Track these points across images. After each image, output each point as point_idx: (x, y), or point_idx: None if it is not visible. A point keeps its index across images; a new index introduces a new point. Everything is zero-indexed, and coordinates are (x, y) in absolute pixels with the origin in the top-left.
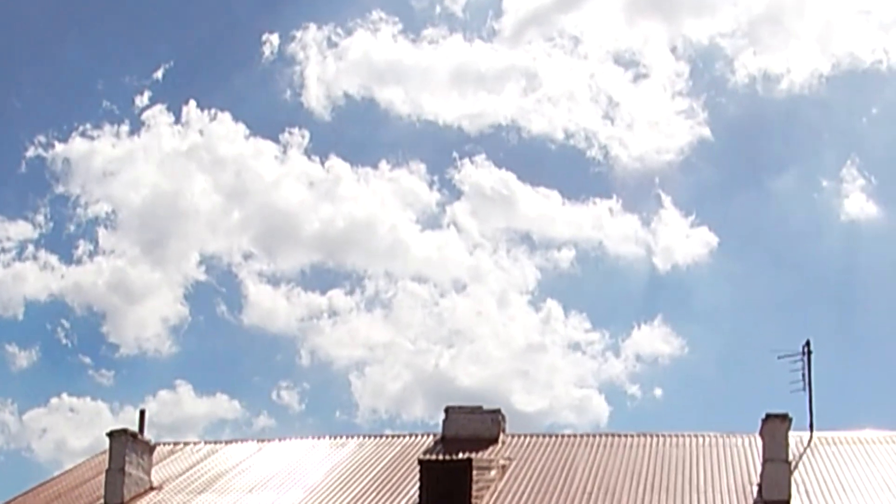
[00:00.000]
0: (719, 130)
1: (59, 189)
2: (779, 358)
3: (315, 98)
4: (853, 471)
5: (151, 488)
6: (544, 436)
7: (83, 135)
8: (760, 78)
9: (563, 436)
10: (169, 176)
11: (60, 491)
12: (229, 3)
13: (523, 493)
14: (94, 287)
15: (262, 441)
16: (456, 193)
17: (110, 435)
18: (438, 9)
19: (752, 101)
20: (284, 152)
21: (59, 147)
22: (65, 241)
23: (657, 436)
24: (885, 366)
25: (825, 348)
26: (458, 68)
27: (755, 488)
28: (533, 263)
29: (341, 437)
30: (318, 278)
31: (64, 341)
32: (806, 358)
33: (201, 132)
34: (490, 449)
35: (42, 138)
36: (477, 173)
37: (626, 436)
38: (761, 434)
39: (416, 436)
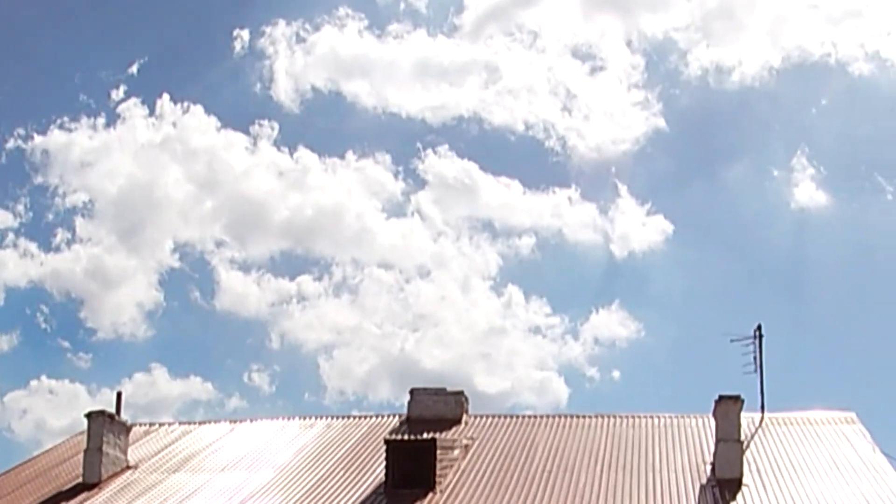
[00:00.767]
0: (673, 121)
1: (38, 179)
2: (731, 341)
3: (284, 91)
4: (803, 450)
5: (128, 467)
6: (506, 416)
7: (61, 127)
8: (713, 70)
9: (523, 416)
10: (143, 167)
11: (40, 470)
12: (201, 0)
13: (485, 471)
14: (72, 274)
15: (234, 422)
16: (420, 183)
17: (88, 416)
18: (403, 5)
19: (704, 92)
20: (254, 144)
21: (37, 139)
22: (44, 230)
23: (614, 416)
24: (834, 349)
25: (776, 332)
26: (421, 62)
27: (708, 467)
28: (494, 250)
29: (310, 417)
30: (288, 265)
31: (43, 326)
32: (757, 341)
33: (174, 124)
34: (453, 429)
35: (21, 130)
36: (440, 163)
37: (584, 416)
38: (714, 415)
39: (382, 416)
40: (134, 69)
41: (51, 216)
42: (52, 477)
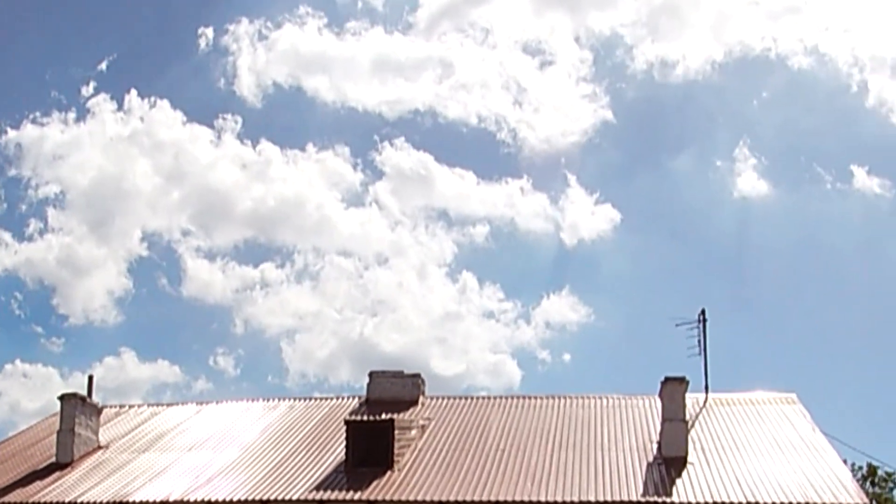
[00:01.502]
0: (620, 114)
1: (12, 172)
2: (676, 325)
3: (247, 87)
4: (745, 429)
5: (99, 447)
6: (461, 398)
7: (34, 122)
8: (658, 65)
9: (478, 398)
10: (113, 159)
11: (15, 450)
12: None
13: (441, 450)
14: (44, 262)
15: (201, 403)
16: (378, 174)
17: (61, 398)
18: (360, 4)
19: (650, 86)
20: (219, 137)
21: (11, 133)
22: (17, 220)
23: (565, 398)
24: (775, 332)
25: (719, 316)
26: (378, 58)
27: (655, 446)
28: (450, 239)
29: (273, 399)
30: (251, 253)
31: (17, 312)
32: (701, 325)
33: (142, 119)
34: (411, 410)
35: None
36: (397, 155)
37: (536, 398)
38: (661, 396)
39: (343, 398)
40: (103, 66)
41: (24, 207)
42: (27, 457)
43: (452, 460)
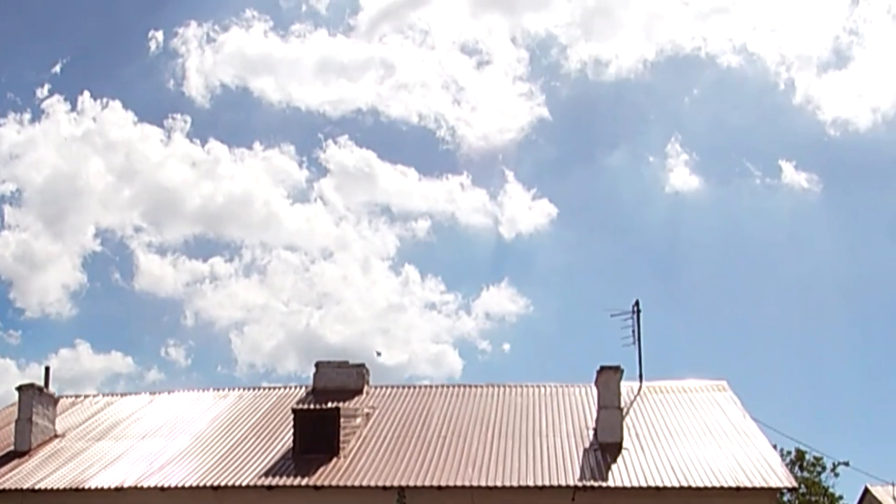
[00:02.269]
0: (556, 111)
1: None
2: (611, 316)
3: (195, 88)
4: (678, 416)
5: (56, 436)
6: (404, 387)
7: None
8: (591, 64)
9: (420, 387)
10: (67, 158)
11: None
12: (119, 4)
13: (385, 437)
14: (1, 258)
15: (153, 393)
16: (322, 171)
17: (19, 389)
18: (304, 7)
19: (584, 84)
20: (169, 136)
21: None
22: None
23: (504, 386)
24: (706, 322)
25: (653, 307)
26: (322, 60)
27: (591, 432)
28: (392, 233)
29: (223, 389)
30: (201, 248)
31: None
32: (635, 316)
33: (95, 119)
34: (356, 399)
35: None
36: (340, 153)
37: (476, 386)
38: (596, 384)
39: (290, 388)
40: (57, 69)
41: None
42: None
43: (396, 447)
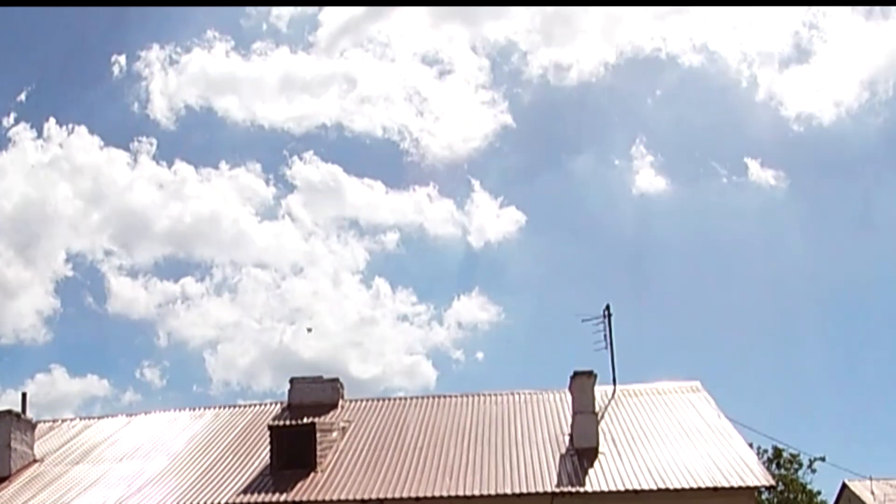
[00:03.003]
0: (519, 118)
1: None
2: (583, 321)
3: (160, 110)
4: (653, 418)
5: (35, 461)
6: (379, 399)
7: None
8: (552, 68)
9: (395, 399)
10: (35, 185)
11: None
12: (81, 29)
13: (362, 450)
14: None
15: (130, 415)
16: (289, 187)
17: None
18: (265, 26)
19: (546, 90)
20: (135, 159)
21: None
22: None
23: (479, 395)
24: (677, 323)
25: (624, 311)
26: (284, 77)
27: (567, 438)
28: (362, 246)
29: (199, 408)
30: (171, 269)
31: None
32: (607, 320)
33: (61, 145)
34: (331, 413)
35: None
36: (307, 169)
37: (451, 396)
38: (570, 389)
39: (265, 404)
40: (22, 97)
41: None
42: None
43: (373, 460)
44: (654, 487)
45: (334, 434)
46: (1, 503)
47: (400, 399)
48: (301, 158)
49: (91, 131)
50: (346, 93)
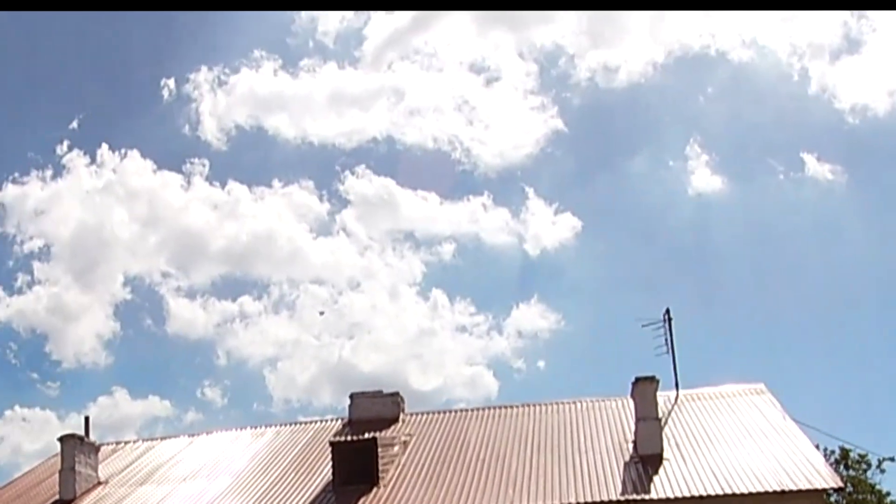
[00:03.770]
0: (570, 122)
1: None
2: (643, 326)
3: (210, 131)
4: (717, 422)
5: (99, 483)
6: (440, 412)
7: (14, 182)
8: (601, 70)
9: (456, 411)
10: (91, 211)
11: (20, 491)
12: (130, 54)
13: (424, 464)
14: (34, 313)
15: (192, 435)
16: (343, 202)
17: (61, 439)
18: (311, 43)
19: (595, 92)
20: (188, 181)
21: None
22: (5, 275)
23: (540, 404)
24: (739, 324)
25: (684, 314)
26: (333, 93)
27: (630, 445)
28: (418, 258)
29: (260, 426)
30: (229, 288)
31: (13, 361)
32: (667, 324)
33: (114, 170)
34: (392, 428)
35: None
36: (360, 183)
37: (512, 407)
38: (633, 396)
39: (326, 421)
40: (74, 124)
41: (11, 262)
42: (31, 497)
43: (435, 473)
44: (721, 492)
45: (396, 448)
46: None
47: (461, 411)
48: (353, 173)
49: (143, 155)
50: (394, 105)
